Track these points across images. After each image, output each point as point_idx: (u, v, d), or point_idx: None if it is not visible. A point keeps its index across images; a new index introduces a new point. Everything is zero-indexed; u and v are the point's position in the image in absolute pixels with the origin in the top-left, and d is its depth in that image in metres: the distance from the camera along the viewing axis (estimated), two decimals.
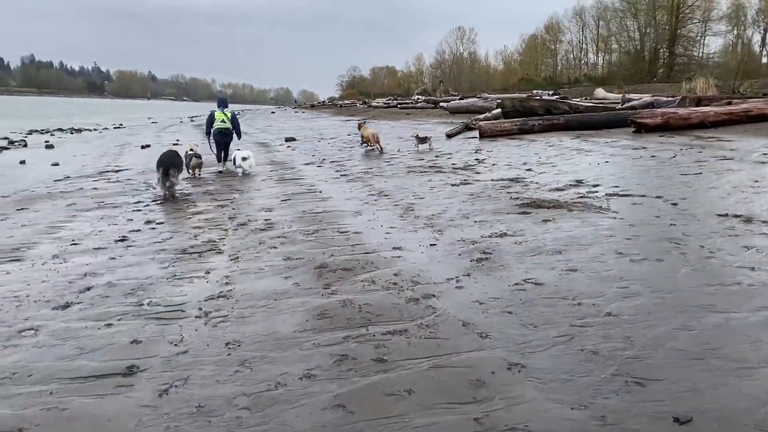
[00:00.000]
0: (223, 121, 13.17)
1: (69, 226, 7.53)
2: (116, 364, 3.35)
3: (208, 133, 13.53)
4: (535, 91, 38.94)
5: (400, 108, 41.81)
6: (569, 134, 14.58)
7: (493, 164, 10.68)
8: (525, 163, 10.43)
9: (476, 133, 16.77)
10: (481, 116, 20.25)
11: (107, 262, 5.66)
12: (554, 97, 25.85)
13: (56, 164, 16.44)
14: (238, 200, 8.91)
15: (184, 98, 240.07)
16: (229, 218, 7.51)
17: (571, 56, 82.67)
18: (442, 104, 36.10)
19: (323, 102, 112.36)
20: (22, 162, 17.09)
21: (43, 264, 5.68)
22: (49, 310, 4.34)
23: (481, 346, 3.32)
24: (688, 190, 7.13)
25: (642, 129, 13.58)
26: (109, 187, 11.10)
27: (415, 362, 3.16)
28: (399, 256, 5.22)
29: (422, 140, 14.39)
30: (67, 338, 3.78)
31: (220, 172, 12.68)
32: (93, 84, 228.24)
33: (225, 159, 13.21)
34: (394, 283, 4.47)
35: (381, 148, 14.80)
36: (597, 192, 7.47)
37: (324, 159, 13.90)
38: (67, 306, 4.41)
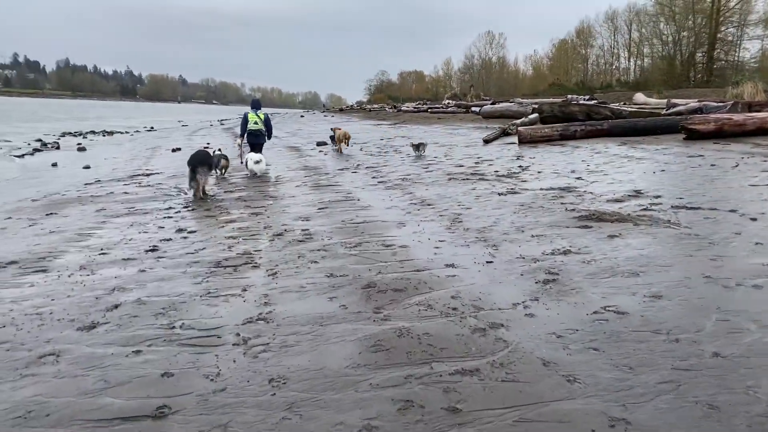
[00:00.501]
0: (255, 122, 13.50)
1: (98, 234, 7.19)
2: (145, 404, 2.91)
3: (242, 135, 13.75)
4: (570, 96, 38.08)
5: (431, 112, 41.30)
6: (614, 140, 13.90)
7: (539, 172, 10.09)
8: (573, 171, 9.82)
9: (514, 139, 16.19)
10: (518, 121, 19.62)
11: (137, 275, 5.27)
12: (592, 102, 25.07)
13: (87, 167, 16.34)
14: (273, 208, 8.50)
15: (214, 102, 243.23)
16: (265, 228, 7.08)
17: (602, 61, 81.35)
18: (473, 109, 35.56)
19: (351, 106, 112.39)
20: (54, 164, 17.05)
21: (69, 276, 5.31)
22: (73, 331, 3.94)
23: (571, 394, 2.80)
24: (765, 204, 6.48)
25: (693, 136, 12.84)
26: (140, 192, 10.82)
27: (496, 414, 2.65)
28: (454, 275, 4.71)
29: (417, 147, 14.66)
30: (91, 367, 3.36)
31: (267, 173, 12.78)
32: (125, 87, 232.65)
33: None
34: (454, 308, 3.96)
35: (341, 149, 16.71)
36: (660, 204, 6.85)
37: (358, 164, 13.45)
38: (92, 327, 4.00)
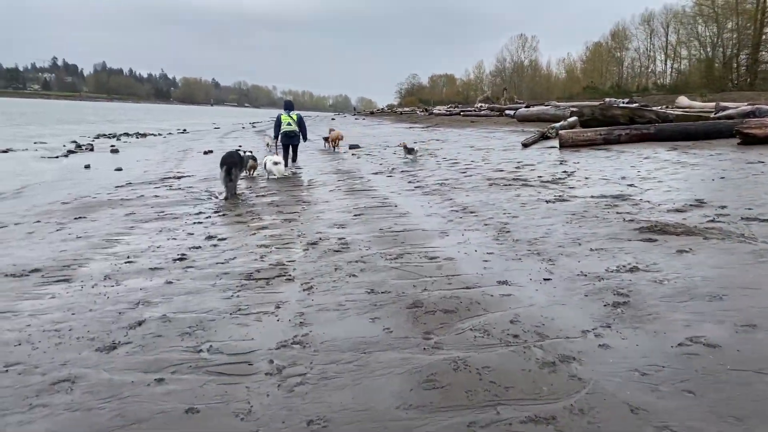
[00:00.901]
0: (289, 123, 13.58)
1: (125, 240, 6.90)
2: None
3: (276, 137, 13.84)
4: (607, 100, 37.04)
5: (463, 115, 40.73)
6: (662, 145, 13.19)
7: (586, 178, 9.51)
8: (623, 178, 9.22)
9: (554, 143, 15.58)
10: (557, 125, 18.96)
11: (163, 287, 4.91)
12: (634, 105, 24.20)
13: (119, 169, 16.25)
14: (306, 213, 8.12)
15: (246, 104, 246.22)
16: (298, 235, 6.69)
17: (637, 64, 79.58)
18: (507, 112, 34.89)
19: (382, 109, 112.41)
20: (87, 166, 17.01)
21: (92, 287, 4.99)
22: (92, 353, 3.58)
23: None
24: None
25: (749, 140, 12.08)
26: (170, 195, 10.56)
27: None
28: (509, 294, 4.22)
29: (409, 150, 14.56)
30: (108, 398, 2.99)
31: (286, 175, 12.78)
32: (160, 90, 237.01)
33: (294, 161, 13.74)
34: (515, 336, 3.49)
35: (335, 148, 19.22)
36: (728, 215, 6.25)
37: (393, 168, 13.02)
38: (113, 347, 3.64)
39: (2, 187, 13.49)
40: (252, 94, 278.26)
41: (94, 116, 67.54)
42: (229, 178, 9.94)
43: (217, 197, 10.16)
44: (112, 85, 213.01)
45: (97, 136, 33.13)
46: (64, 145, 25.63)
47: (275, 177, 12.27)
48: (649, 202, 7.25)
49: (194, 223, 7.80)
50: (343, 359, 3.31)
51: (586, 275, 4.57)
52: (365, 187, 10.42)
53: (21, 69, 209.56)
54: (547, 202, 7.69)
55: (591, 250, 5.29)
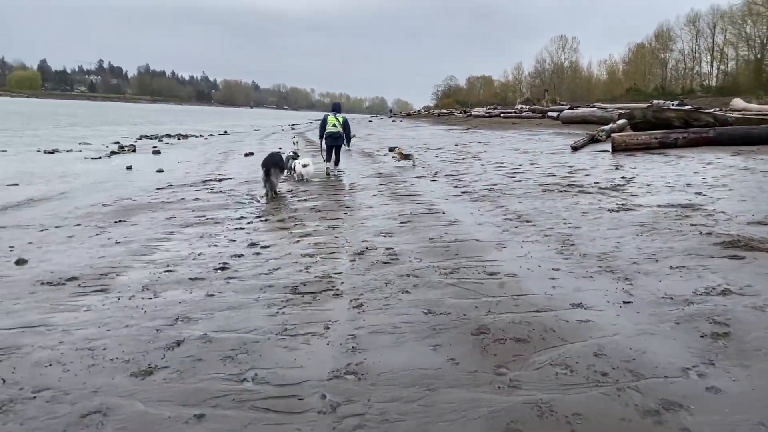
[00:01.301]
0: (334, 125, 13.28)
1: (165, 246, 6.64)
2: None
3: (321, 137, 13.62)
4: (655, 102, 35.74)
5: (503, 117, 39.98)
6: (723, 150, 12.41)
7: (648, 185, 8.89)
8: (689, 185, 8.57)
9: (605, 146, 14.91)
10: (606, 127, 18.22)
11: (204, 300, 4.59)
12: (687, 108, 23.19)
13: (161, 171, 16.22)
14: (350, 220, 7.75)
15: (285, 107, 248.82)
16: (343, 244, 6.32)
17: (682, 66, 77.12)
18: (550, 114, 34.05)
19: (418, 111, 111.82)
20: (129, 168, 17.05)
21: (129, 298, 4.70)
22: (126, 378, 3.25)
23: None
24: None
25: None
26: (212, 199, 10.35)
27: None
28: (587, 320, 3.74)
29: (406, 156, 14.51)
30: None
31: (328, 175, 13.08)
32: (201, 92, 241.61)
33: (336, 164, 13.62)
34: (603, 373, 3.01)
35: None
36: None
37: (437, 172, 12.57)
38: (149, 372, 3.31)
39: (47, 189, 13.56)
40: (291, 97, 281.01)
41: (137, 117, 68.96)
42: (270, 179, 10.05)
43: (258, 201, 9.90)
44: (154, 87, 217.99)
45: (140, 137, 33.60)
46: (107, 147, 25.98)
47: (304, 179, 12.26)
48: (724, 213, 6.63)
49: (236, 228, 7.51)
50: (404, 396, 2.89)
51: (671, 298, 4.05)
52: (409, 192, 10.00)
53: (69, 71, 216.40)
54: (609, 211, 7.14)
55: (671, 267, 4.75)
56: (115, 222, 8.47)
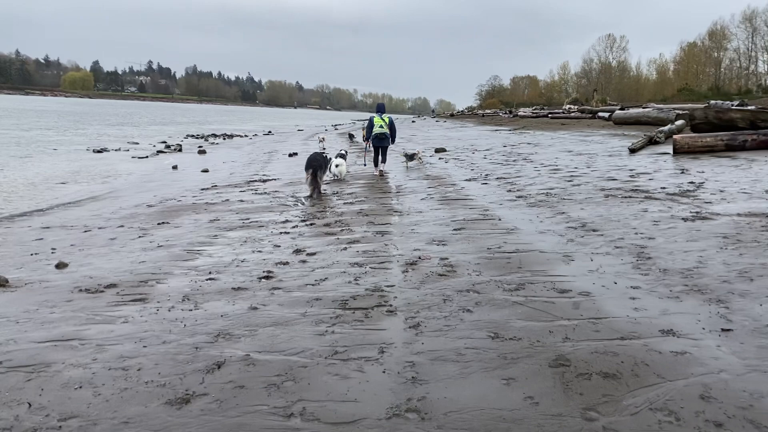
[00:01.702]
0: (381, 126, 13.29)
1: (208, 251, 6.36)
2: None
3: (367, 139, 13.76)
4: (712, 102, 34.12)
5: (551, 117, 38.93)
6: None
7: (720, 190, 8.18)
8: None
9: (665, 148, 14.09)
10: (665, 128, 17.30)
11: (247, 314, 4.24)
12: (751, 108, 21.89)
13: (205, 170, 16.17)
14: (399, 225, 7.33)
15: (327, 107, 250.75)
16: (394, 253, 5.90)
17: (737, 65, 73.98)
18: (600, 114, 32.97)
19: (462, 111, 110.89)
20: (175, 167, 17.07)
21: (169, 310, 4.39)
22: (161, 406, 2.91)
23: None
24: None
25: None
26: (256, 200, 10.10)
27: None
28: (683, 352, 3.22)
29: (410, 157, 14.34)
30: None
31: (375, 175, 13.10)
32: (246, 93, 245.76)
33: (382, 163, 13.61)
34: (717, 424, 2.51)
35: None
36: None
37: (487, 174, 12.04)
38: (186, 400, 2.96)
39: (94, 188, 13.62)
40: (333, 97, 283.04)
41: (184, 117, 70.32)
42: (314, 180, 10.17)
43: (303, 203, 9.59)
44: (201, 87, 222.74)
45: (186, 137, 34.04)
46: (154, 146, 26.31)
47: (339, 178, 12.45)
48: None
49: (281, 233, 7.19)
50: None
51: None
52: (460, 195, 9.51)
53: (120, 72, 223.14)
54: (684, 219, 6.51)
55: None
56: (158, 224, 8.28)
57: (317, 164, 10.38)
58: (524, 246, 5.85)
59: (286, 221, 8.01)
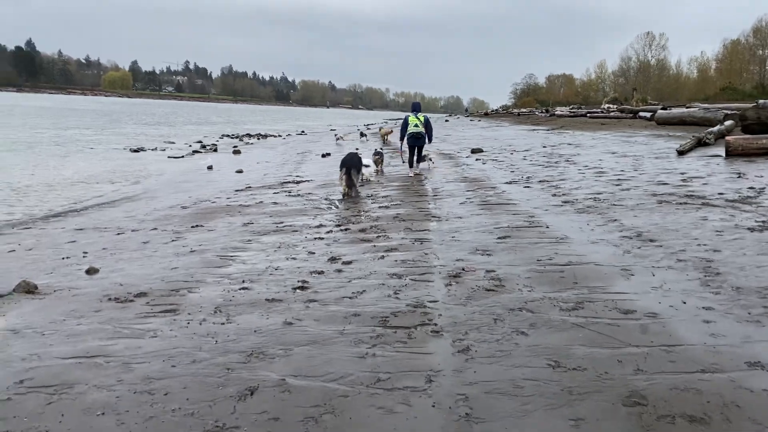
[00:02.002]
0: (416, 125, 13.05)
1: (241, 257, 6.12)
2: None
3: (402, 138, 13.53)
4: (761, 101, 32.74)
5: (590, 117, 37.96)
6: None
7: None
8: None
9: (715, 150, 13.40)
10: (714, 129, 16.53)
11: (282, 330, 3.96)
12: None
13: (240, 171, 16.07)
14: (439, 232, 6.98)
15: (360, 107, 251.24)
16: (435, 263, 5.56)
17: None
18: (642, 114, 31.99)
19: (496, 110, 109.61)
20: (210, 167, 17.03)
21: (200, 323, 4.14)
22: None
23: None
24: None
25: None
26: (289, 203, 9.87)
27: None
28: None
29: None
30: None
31: (410, 176, 12.87)
32: (280, 93, 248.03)
33: (418, 163, 13.49)
34: None
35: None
36: None
37: (529, 177, 11.58)
38: None
39: (129, 188, 13.63)
40: (365, 97, 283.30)
41: (219, 117, 71.13)
42: (349, 180, 10.11)
43: (337, 206, 9.32)
44: (237, 87, 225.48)
45: (221, 137, 34.26)
46: (190, 146, 26.48)
47: (365, 179, 12.05)
48: None
49: (315, 238, 6.92)
50: None
51: None
52: (502, 199, 9.10)
53: (157, 72, 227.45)
54: (750, 230, 6.00)
55: None
56: (192, 227, 8.10)
57: (351, 163, 10.30)
58: (577, 258, 5.44)
59: (320, 226, 7.74)
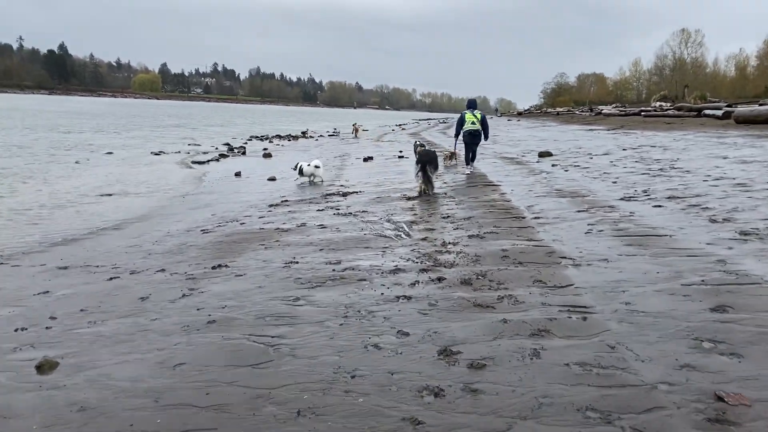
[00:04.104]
0: (473, 122, 12.76)
1: (288, 340, 3.71)
2: None
3: (457, 135, 13.17)
4: None
5: (645, 116, 35.01)
6: None
7: None
8: None
9: None
10: None
11: None
12: None
13: (272, 179, 13.78)
14: (594, 291, 4.46)
15: (387, 107, 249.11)
16: (644, 379, 3.05)
17: None
18: (707, 112, 29.13)
19: (528, 110, 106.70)
20: (238, 174, 14.77)
21: None
22: None
23: None
24: None
25: None
26: (342, 227, 7.48)
27: None
28: None
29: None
30: None
31: (467, 174, 12.53)
32: (307, 94, 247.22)
33: (472, 160, 13.20)
34: None
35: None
36: None
37: (644, 190, 8.98)
38: None
39: (141, 202, 11.37)
40: (392, 97, 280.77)
41: (247, 118, 69.38)
42: (426, 176, 9.83)
43: (408, 233, 6.87)
44: (264, 88, 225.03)
45: (250, 138, 32.19)
46: (216, 148, 24.38)
47: (318, 183, 12.16)
48: None
49: (398, 298, 4.48)
50: None
51: None
52: (642, 227, 6.53)
53: (186, 74, 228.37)
54: None
55: None
56: (213, 268, 5.75)
57: (428, 160, 9.99)
58: None
59: (398, 270, 5.30)
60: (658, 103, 43.73)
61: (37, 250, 7.40)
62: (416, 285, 4.83)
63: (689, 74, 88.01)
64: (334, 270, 5.43)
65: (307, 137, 34.29)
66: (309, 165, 12.45)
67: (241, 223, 8.24)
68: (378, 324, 3.96)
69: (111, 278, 5.68)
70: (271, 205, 9.83)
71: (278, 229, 7.63)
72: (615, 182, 10.08)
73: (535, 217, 7.49)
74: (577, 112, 57.82)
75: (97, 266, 6.25)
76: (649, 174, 10.72)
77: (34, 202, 10.88)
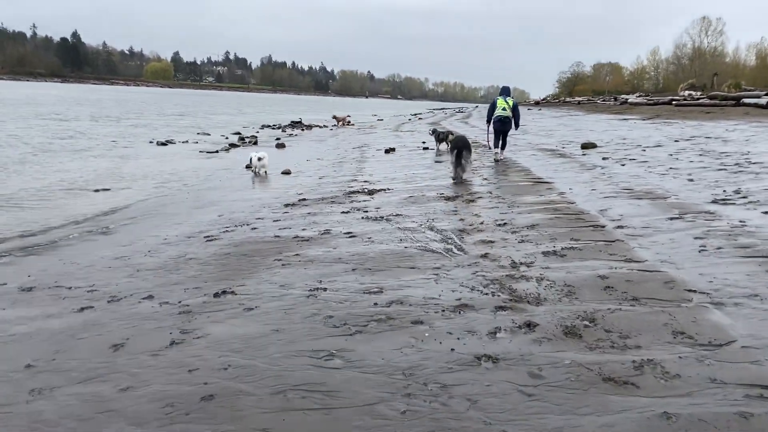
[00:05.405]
0: (504, 109, 12.38)
1: None
2: None
3: (489, 121, 12.81)
4: None
5: (676, 105, 33.23)
6: None
7: None
8: None
9: None
10: None
11: None
12: None
13: (287, 172, 12.39)
14: (693, 317, 3.00)
15: (399, 96, 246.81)
16: None
17: None
18: (746, 101, 27.37)
19: (546, 99, 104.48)
20: (248, 166, 13.34)
21: None
22: None
23: None
24: None
25: None
26: (374, 235, 6.07)
27: None
28: None
29: (442, 138, 14.70)
30: None
31: (496, 161, 12.43)
32: (319, 83, 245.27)
33: (502, 148, 12.84)
34: None
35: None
36: None
37: (735, 191, 7.48)
38: None
39: (140, 199, 10.00)
40: (404, 86, 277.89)
41: (259, 107, 67.98)
42: (460, 162, 9.84)
43: (462, 248, 5.43)
44: (276, 77, 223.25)
45: (262, 128, 30.83)
46: (227, 138, 23.02)
47: (262, 173, 12.02)
48: None
49: (481, 360, 3.06)
50: None
51: None
52: (765, 243, 5.04)
53: (198, 62, 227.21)
54: None
55: None
56: (215, 295, 4.37)
57: (462, 144, 10.06)
58: None
59: (463, 306, 3.87)
60: (687, 92, 41.77)
61: (4, 257, 6.06)
62: (497, 335, 3.41)
63: (709, 64, 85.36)
64: (376, 304, 4.01)
65: (321, 127, 32.84)
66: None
67: (252, 228, 6.86)
68: (461, 413, 2.54)
69: (82, 308, 4.31)
70: (286, 204, 8.44)
71: (297, 237, 6.22)
72: (690, 179, 8.56)
73: (618, 226, 6.00)
74: (598, 102, 55.90)
75: (70, 288, 4.88)
76: (726, 170, 9.18)
77: (23, 192, 9.58)
